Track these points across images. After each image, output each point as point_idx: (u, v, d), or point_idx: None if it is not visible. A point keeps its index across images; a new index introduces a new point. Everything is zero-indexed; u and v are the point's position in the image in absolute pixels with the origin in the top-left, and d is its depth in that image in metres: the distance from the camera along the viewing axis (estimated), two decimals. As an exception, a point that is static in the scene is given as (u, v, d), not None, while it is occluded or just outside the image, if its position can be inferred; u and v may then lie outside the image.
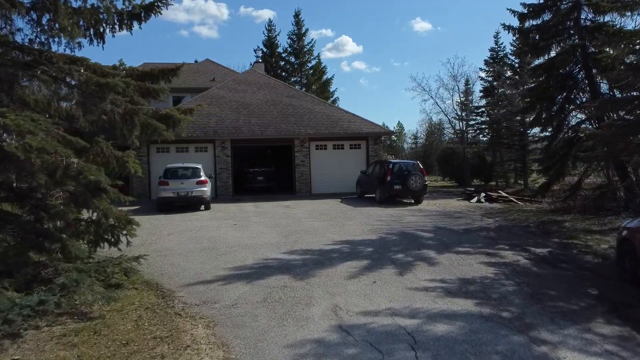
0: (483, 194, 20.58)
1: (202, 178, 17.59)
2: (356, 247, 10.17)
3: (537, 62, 16.72)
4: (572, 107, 14.33)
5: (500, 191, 21.34)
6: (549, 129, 14.91)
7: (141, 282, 7.49)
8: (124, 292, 6.93)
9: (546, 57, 14.36)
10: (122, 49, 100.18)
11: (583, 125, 13.39)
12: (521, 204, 19.11)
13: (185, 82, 29.25)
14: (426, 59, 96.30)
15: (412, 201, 19.57)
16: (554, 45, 13.89)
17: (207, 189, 17.55)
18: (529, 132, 27.35)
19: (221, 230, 12.87)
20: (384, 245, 10.26)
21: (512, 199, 19.94)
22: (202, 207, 17.84)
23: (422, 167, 19.40)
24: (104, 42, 8.12)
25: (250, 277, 7.76)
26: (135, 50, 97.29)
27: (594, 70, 13.70)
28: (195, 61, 35.34)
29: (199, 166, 18.08)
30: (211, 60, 33.18)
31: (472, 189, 22.81)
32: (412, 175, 18.43)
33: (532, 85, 15.20)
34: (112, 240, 8.03)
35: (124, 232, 7.95)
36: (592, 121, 13.81)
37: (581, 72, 13.68)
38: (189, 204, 17.81)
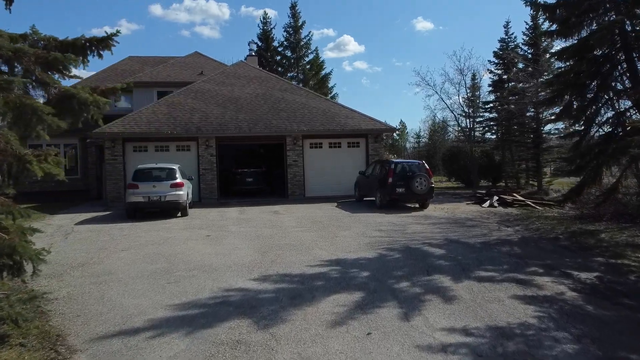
0: (496, 198, 18.36)
1: (178, 180, 15.42)
2: (348, 270, 7.97)
3: (555, 49, 14.55)
4: (607, 96, 12.09)
5: (515, 194, 19.11)
6: (580, 122, 12.69)
7: (38, 332, 5.30)
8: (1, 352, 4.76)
9: (576, 38, 12.16)
10: (125, 50, 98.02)
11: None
12: (540, 208, 16.89)
13: (170, 75, 27.17)
14: (428, 58, 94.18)
15: (417, 206, 17.39)
16: (585, 23, 11.70)
17: (182, 193, 15.38)
18: (543, 128, 25.12)
19: (189, 243, 10.71)
20: (383, 268, 8.06)
21: (529, 202, 17.71)
22: (179, 213, 15.69)
23: (427, 167, 17.19)
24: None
25: (196, 322, 5.58)
26: (136, 51, 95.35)
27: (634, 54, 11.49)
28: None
29: (175, 167, 15.91)
30: (200, 53, 31.00)
31: (483, 191, 20.57)
32: (416, 177, 16.23)
33: (559, 71, 13.01)
34: (13, 268, 5.89)
35: (27, 257, 5.79)
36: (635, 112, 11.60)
37: (619, 54, 11.48)
38: (163, 209, 15.65)
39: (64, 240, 11.41)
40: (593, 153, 11.69)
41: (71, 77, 6.25)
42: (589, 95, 12.15)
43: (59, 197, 23.54)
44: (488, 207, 17.51)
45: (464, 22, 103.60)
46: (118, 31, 6.49)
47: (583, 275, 7.57)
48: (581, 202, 14.24)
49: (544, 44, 26.05)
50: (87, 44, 6.43)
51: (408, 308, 5.98)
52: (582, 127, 12.92)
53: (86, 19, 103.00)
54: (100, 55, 6.59)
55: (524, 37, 28.43)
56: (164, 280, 7.49)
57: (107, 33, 6.38)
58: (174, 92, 22.54)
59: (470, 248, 9.82)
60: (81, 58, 6.60)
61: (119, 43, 6.61)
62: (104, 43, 6.42)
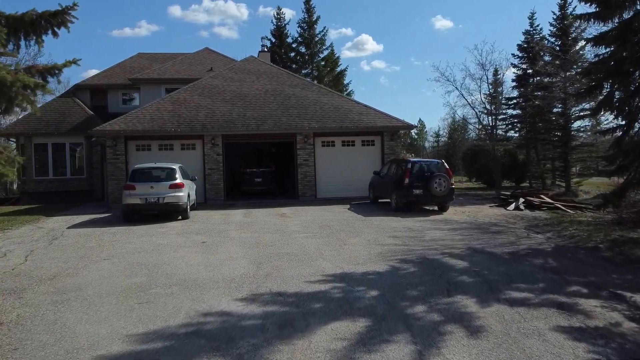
0: (522, 200, 16.92)
1: (178, 181, 14.37)
2: (353, 287, 6.76)
3: (590, 35, 13.05)
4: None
5: (542, 196, 17.63)
6: (623, 116, 11.22)
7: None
8: None
9: (616, 21, 10.74)
10: (145, 50, 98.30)
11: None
12: (571, 212, 15.42)
13: (179, 72, 26.27)
14: (447, 57, 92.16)
15: (436, 208, 16.08)
16: (628, 3, 10.27)
17: (182, 194, 14.32)
18: (572, 125, 23.48)
19: (180, 252, 9.61)
20: (395, 286, 6.83)
21: (559, 205, 16.24)
22: (179, 216, 14.64)
23: (447, 167, 15.85)
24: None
25: (155, 362, 4.44)
26: (155, 51, 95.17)
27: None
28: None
29: (175, 166, 14.86)
30: (210, 49, 30.06)
31: (508, 193, 19.12)
32: (435, 177, 14.91)
33: (598, 59, 11.58)
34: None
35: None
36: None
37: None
38: (162, 212, 14.63)
39: (47, 247, 10.41)
40: (638, 150, 10.27)
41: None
42: (632, 86, 10.70)
43: (64, 198, 22.79)
44: (513, 210, 16.10)
45: (484, 20, 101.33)
46: (75, 4, 5.41)
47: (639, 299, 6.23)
48: (620, 205, 12.78)
49: (573, 34, 24.41)
50: (38, 19, 5.36)
51: (423, 344, 4.75)
52: (625, 122, 11.48)
53: (107, 21, 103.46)
54: (55, 34, 5.52)
55: (551, 28, 26.79)
56: (136, 299, 6.37)
57: (61, 6, 5.31)
58: (180, 89, 21.54)
59: (497, 260, 8.51)
60: (35, 38, 5.56)
61: (77, 19, 5.56)
62: (58, 18, 5.35)
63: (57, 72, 5.56)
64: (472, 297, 6.26)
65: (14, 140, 25.29)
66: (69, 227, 13.42)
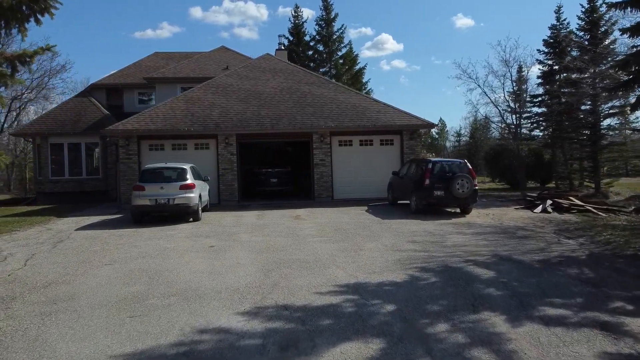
0: (549, 202, 16.02)
1: (188, 181, 13.90)
2: (368, 300, 6.11)
3: (623, 26, 12.12)
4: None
5: (571, 197, 16.70)
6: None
7: None
8: None
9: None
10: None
11: None
12: (604, 215, 14.51)
13: (194, 71, 25.91)
14: (469, 55, 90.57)
15: (458, 211, 15.32)
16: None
17: (193, 195, 13.84)
18: (602, 123, 22.38)
19: (185, 257, 9.09)
20: (414, 299, 6.16)
21: (590, 208, 15.32)
22: (190, 217, 14.17)
23: (470, 167, 15.07)
24: None
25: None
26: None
27: None
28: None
29: (186, 167, 14.40)
30: (227, 47, 29.67)
31: (534, 194, 18.20)
32: (457, 178, 14.15)
33: (636, 50, 10.69)
34: None
35: None
36: None
37: None
38: (172, 213, 14.18)
39: (50, 250, 10.01)
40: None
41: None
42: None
43: (80, 198, 22.59)
44: (541, 212, 15.24)
45: (507, 17, 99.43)
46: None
47: (695, 318, 5.45)
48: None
49: (603, 27, 23.28)
50: (18, 4, 4.85)
51: (447, 374, 4.09)
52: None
53: (129, 22, 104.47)
54: (37, 21, 5.01)
55: (579, 21, 25.63)
56: (129, 311, 5.84)
57: (42, -11, 4.81)
58: (194, 87, 21.13)
59: (526, 269, 7.77)
60: (17, 26, 5.06)
61: (62, 5, 5.03)
62: (40, 4, 4.83)
63: (27, 59, 5.05)
64: (501, 314, 5.56)
65: (31, 139, 25.27)
66: (77, 229, 13.05)
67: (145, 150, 18.64)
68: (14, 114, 35.32)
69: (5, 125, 34.47)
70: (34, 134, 23.89)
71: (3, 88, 4.36)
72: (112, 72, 27.75)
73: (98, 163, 24.30)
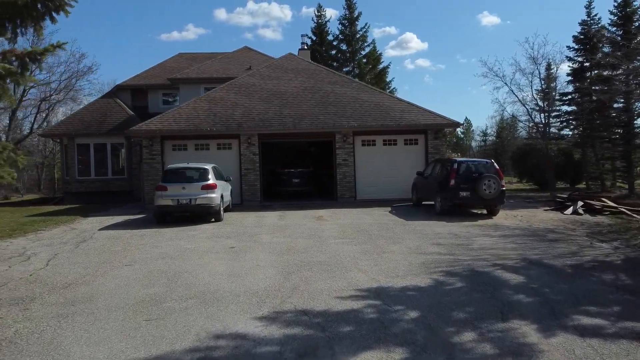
0: (580, 203, 15.46)
1: (210, 182, 13.85)
2: (390, 306, 5.88)
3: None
4: None
5: (604, 199, 16.08)
6: None
7: None
8: None
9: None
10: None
11: None
12: (639, 217, 13.90)
13: (218, 71, 25.98)
14: (495, 54, 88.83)
15: (484, 212, 14.92)
16: None
17: (215, 196, 13.79)
18: (636, 121, 21.59)
19: (205, 258, 8.99)
20: (439, 305, 5.90)
21: (623, 210, 14.71)
22: (212, 218, 14.11)
23: (497, 167, 14.64)
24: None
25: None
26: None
27: None
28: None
29: (208, 167, 14.36)
30: (249, 47, 29.69)
31: (564, 195, 17.62)
32: (484, 178, 13.76)
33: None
34: None
35: None
36: None
37: None
38: (194, 214, 14.15)
39: (73, 250, 10.05)
40: None
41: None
42: None
43: (105, 198, 22.87)
44: (571, 214, 14.70)
45: (534, 15, 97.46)
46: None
47: None
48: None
49: (637, 22, 22.44)
50: (34, 2, 4.79)
51: (474, 388, 3.83)
52: None
53: (155, 24, 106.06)
54: (53, 19, 4.94)
55: (611, 16, 24.79)
56: (146, 314, 5.73)
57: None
58: (216, 88, 21.15)
59: (558, 274, 7.41)
60: (33, 25, 5.00)
61: (77, 2, 4.94)
62: (55, 2, 4.76)
63: (38, 57, 4.97)
64: (531, 323, 5.26)
65: (59, 140, 25.70)
66: (100, 229, 13.13)
67: (169, 151, 18.72)
68: (43, 115, 36.02)
69: (35, 127, 35.21)
70: (61, 135, 24.30)
71: (13, 85, 4.31)
72: (137, 74, 28.03)
73: (123, 163, 24.57)
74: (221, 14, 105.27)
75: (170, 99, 27.03)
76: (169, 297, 6.46)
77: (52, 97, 34.02)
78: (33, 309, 6.06)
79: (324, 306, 5.91)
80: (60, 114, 36.44)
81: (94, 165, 24.05)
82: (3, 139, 33.23)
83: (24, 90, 32.50)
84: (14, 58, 4.49)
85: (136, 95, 27.09)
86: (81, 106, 29.55)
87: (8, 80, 4.27)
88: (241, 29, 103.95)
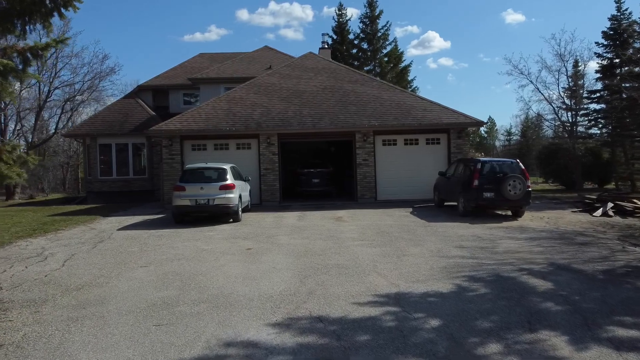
0: (611, 205, 14.86)
1: (228, 182, 13.72)
2: (410, 314, 5.59)
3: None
4: None
5: (636, 200, 15.44)
6: None
7: None
8: None
9: None
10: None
11: None
12: (673, 219, 13.27)
13: (237, 71, 25.93)
14: (519, 52, 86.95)
15: (509, 213, 14.46)
16: None
17: (233, 196, 13.65)
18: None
19: (221, 260, 8.83)
20: (462, 313, 5.58)
21: (657, 212, 14.07)
22: (230, 218, 13.98)
23: (523, 167, 14.18)
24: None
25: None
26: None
27: None
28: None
29: (226, 167, 14.23)
30: (270, 47, 29.59)
31: (593, 196, 17.00)
32: (509, 179, 13.32)
33: None
34: None
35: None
36: None
37: None
38: (212, 214, 14.04)
39: (90, 251, 10.00)
40: None
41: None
42: None
43: (127, 198, 23.00)
44: (601, 216, 14.14)
45: (560, 12, 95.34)
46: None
47: None
48: None
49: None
50: (41, -2, 4.65)
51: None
52: None
53: (178, 26, 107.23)
54: (61, 15, 4.81)
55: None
56: (156, 319, 5.56)
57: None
58: (236, 87, 21.07)
59: (589, 280, 7.01)
60: (42, 22, 4.87)
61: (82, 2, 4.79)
62: (63, -2, 4.61)
63: (40, 52, 4.83)
64: (562, 334, 4.91)
65: (81, 140, 25.99)
66: (119, 229, 13.12)
67: (188, 150, 18.70)
68: (68, 115, 36.56)
69: (60, 127, 35.78)
70: (83, 135, 24.56)
71: (17, 81, 4.22)
72: (159, 74, 28.17)
73: (145, 163, 24.70)
74: (243, 14, 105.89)
75: (191, 99, 27.09)
76: (181, 300, 6.28)
77: (76, 97, 34.49)
78: (44, 312, 5.95)
79: (340, 313, 5.65)
80: (85, 114, 36.97)
81: (115, 165, 24.24)
82: (29, 139, 33.86)
83: (49, 91, 33.07)
84: (15, 54, 4.36)
85: (157, 95, 27.24)
86: (104, 107, 29.82)
87: (10, 77, 4.15)
88: (263, 30, 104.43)
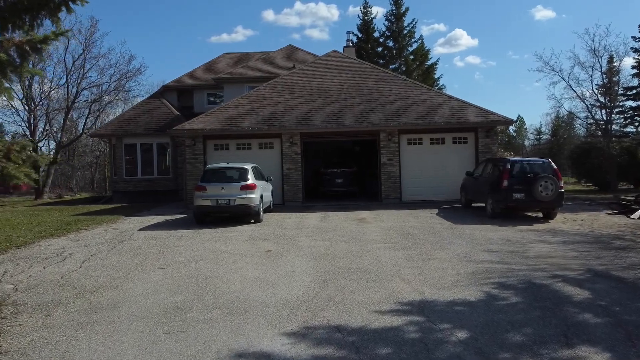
0: (649, 206, 14.10)
1: (249, 182, 13.51)
2: (435, 324, 5.21)
3: None
4: None
5: (676, 202, 14.63)
6: None
7: None
8: None
9: None
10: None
11: None
12: None
13: (261, 70, 25.78)
14: (550, 49, 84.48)
15: (540, 215, 13.86)
16: None
17: (254, 196, 13.43)
18: None
19: (239, 262, 8.59)
20: (492, 325, 5.18)
21: (700, 214, 13.27)
22: (252, 219, 13.77)
23: (555, 167, 13.56)
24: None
25: None
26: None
27: None
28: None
29: (248, 166, 14.02)
30: (294, 46, 29.41)
31: (630, 197, 16.21)
32: (541, 179, 12.74)
33: None
34: None
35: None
36: None
37: None
38: (233, 215, 13.86)
39: (109, 252, 9.90)
40: None
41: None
42: None
43: (152, 197, 23.10)
44: (639, 218, 13.40)
45: (593, 7, 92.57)
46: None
47: None
48: None
49: None
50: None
51: None
52: None
53: (205, 27, 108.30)
54: (69, 9, 4.61)
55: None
56: (168, 326, 5.33)
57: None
58: (259, 87, 20.90)
59: (630, 289, 6.50)
60: (50, 17, 4.69)
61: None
62: (69, -10, 4.43)
63: (38, 45, 4.63)
64: (602, 350, 4.47)
65: (107, 140, 26.25)
66: (140, 229, 13.05)
67: (211, 150, 18.60)
68: (95, 115, 37.10)
69: (88, 127, 36.33)
70: (109, 135, 24.78)
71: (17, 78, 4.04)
72: (183, 74, 28.27)
73: (169, 163, 24.79)
74: (269, 15, 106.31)
75: (215, 99, 27.08)
76: (195, 306, 6.04)
77: (103, 98, 34.98)
78: (55, 316, 5.79)
79: (360, 322, 5.32)
80: (111, 115, 37.50)
81: (140, 164, 24.38)
82: (58, 139, 34.47)
83: (77, 92, 33.58)
84: (13, 48, 4.18)
85: (182, 95, 27.33)
86: (130, 107, 30.12)
87: (9, 72, 3.97)
88: (288, 30, 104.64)
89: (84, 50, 32.67)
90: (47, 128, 35.01)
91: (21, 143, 4.77)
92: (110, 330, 5.24)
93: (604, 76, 25.16)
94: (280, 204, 17.95)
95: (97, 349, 4.74)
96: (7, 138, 39.61)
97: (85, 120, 36.24)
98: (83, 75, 33.12)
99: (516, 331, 4.99)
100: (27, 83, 31.10)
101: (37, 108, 33.45)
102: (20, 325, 5.50)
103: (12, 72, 4.06)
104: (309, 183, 20.11)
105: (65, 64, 33.15)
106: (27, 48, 4.35)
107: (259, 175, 14.59)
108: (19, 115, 33.63)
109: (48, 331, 5.27)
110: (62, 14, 4.76)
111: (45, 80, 32.79)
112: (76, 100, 34.18)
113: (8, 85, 4.35)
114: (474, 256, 8.68)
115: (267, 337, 4.94)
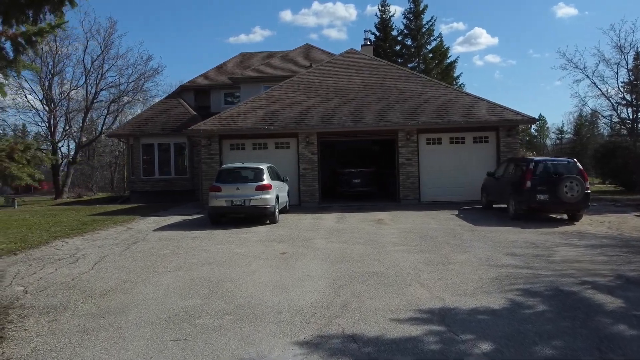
0: (681, 208, 13.50)
1: (265, 182, 13.30)
2: (456, 334, 4.90)
3: None
4: None
5: None
6: None
7: None
8: None
9: None
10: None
11: None
12: None
13: (278, 69, 25.60)
14: (573, 47, 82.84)
15: (565, 217, 13.39)
16: None
17: (270, 197, 13.22)
18: None
19: (252, 265, 8.36)
20: (518, 336, 4.85)
21: None
22: (267, 219, 13.57)
23: (580, 167, 13.08)
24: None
25: None
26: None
27: None
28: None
29: (263, 167, 13.81)
30: (311, 45, 29.23)
31: (660, 199, 15.57)
32: (565, 180, 12.28)
33: None
34: None
35: None
36: None
37: None
38: (248, 215, 13.66)
39: (122, 253, 9.77)
40: None
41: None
42: None
43: (169, 197, 23.10)
44: (670, 221, 12.84)
45: (616, 3, 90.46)
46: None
47: None
48: None
49: None
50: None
51: None
52: None
53: (224, 28, 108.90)
54: (72, 3, 4.44)
55: None
56: (176, 332, 5.11)
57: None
58: (275, 86, 20.70)
59: (666, 298, 6.08)
60: (53, 10, 4.51)
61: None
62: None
63: (33, 38, 4.43)
64: (641, 367, 4.11)
65: (125, 140, 26.36)
66: (155, 230, 12.94)
67: (227, 150, 18.46)
68: (114, 115, 37.42)
69: (107, 127, 36.64)
70: (127, 135, 24.86)
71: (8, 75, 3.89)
72: (200, 74, 28.25)
73: (186, 163, 24.77)
74: (287, 15, 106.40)
75: (232, 99, 26.99)
76: (205, 311, 5.82)
77: (121, 98, 35.24)
78: (61, 320, 5.62)
79: (377, 331, 5.03)
80: (129, 115, 37.77)
81: (157, 164, 24.41)
82: (77, 139, 34.81)
83: (96, 92, 33.89)
84: (5, 39, 4.00)
85: (199, 95, 27.30)
86: (148, 107, 30.24)
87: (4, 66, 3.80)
88: (306, 30, 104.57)
89: (102, 51, 32.97)
90: (66, 128, 35.43)
91: (26, 142, 4.59)
92: (116, 337, 5.04)
93: (630, 73, 24.39)
94: (297, 205, 17.72)
95: (102, 357, 4.54)
96: (29, 138, 40.13)
97: (104, 120, 36.62)
98: (102, 75, 33.44)
99: (545, 344, 4.64)
100: (47, 84, 31.45)
101: (57, 108, 33.82)
102: (25, 330, 5.34)
103: (6, 67, 3.87)
104: (325, 183, 19.84)
105: (84, 64, 33.50)
106: (22, 41, 4.18)
107: (274, 176, 14.38)
108: (39, 115, 33.92)
109: (53, 337, 5.10)
110: (66, 8, 4.60)
111: (65, 81, 33.15)
112: (95, 101, 34.52)
113: (3, 81, 4.16)
114: (496, 260, 8.31)
115: (278, 346, 4.69)
